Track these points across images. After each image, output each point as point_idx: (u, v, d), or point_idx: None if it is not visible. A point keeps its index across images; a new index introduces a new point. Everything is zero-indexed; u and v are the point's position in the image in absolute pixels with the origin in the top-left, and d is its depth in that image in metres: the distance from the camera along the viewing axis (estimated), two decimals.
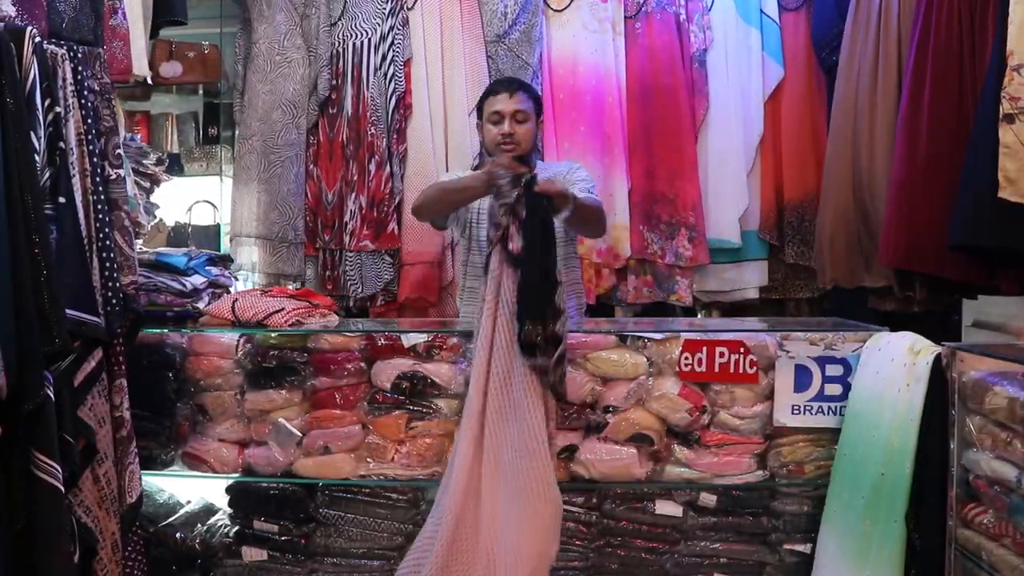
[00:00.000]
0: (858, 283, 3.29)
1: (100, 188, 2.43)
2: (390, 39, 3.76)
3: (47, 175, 2.20)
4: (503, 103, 2.91)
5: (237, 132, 4.05)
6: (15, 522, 2.10)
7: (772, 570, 2.72)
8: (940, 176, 2.78)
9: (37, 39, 2.20)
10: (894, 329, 2.61)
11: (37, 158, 2.16)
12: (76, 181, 2.32)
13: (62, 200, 2.23)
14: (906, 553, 2.26)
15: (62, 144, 2.25)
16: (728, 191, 3.72)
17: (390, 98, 3.77)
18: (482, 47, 3.78)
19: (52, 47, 2.30)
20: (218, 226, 4.31)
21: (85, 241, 2.34)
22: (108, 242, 2.44)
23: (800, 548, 2.67)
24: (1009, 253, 2.56)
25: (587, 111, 3.74)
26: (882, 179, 3.11)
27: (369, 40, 3.79)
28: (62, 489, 2.14)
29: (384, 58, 3.77)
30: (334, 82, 3.85)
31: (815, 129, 3.68)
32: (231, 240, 4.00)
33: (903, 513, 2.24)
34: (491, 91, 3.02)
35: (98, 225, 2.41)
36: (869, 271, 3.24)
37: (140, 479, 2.60)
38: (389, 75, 3.76)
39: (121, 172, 2.58)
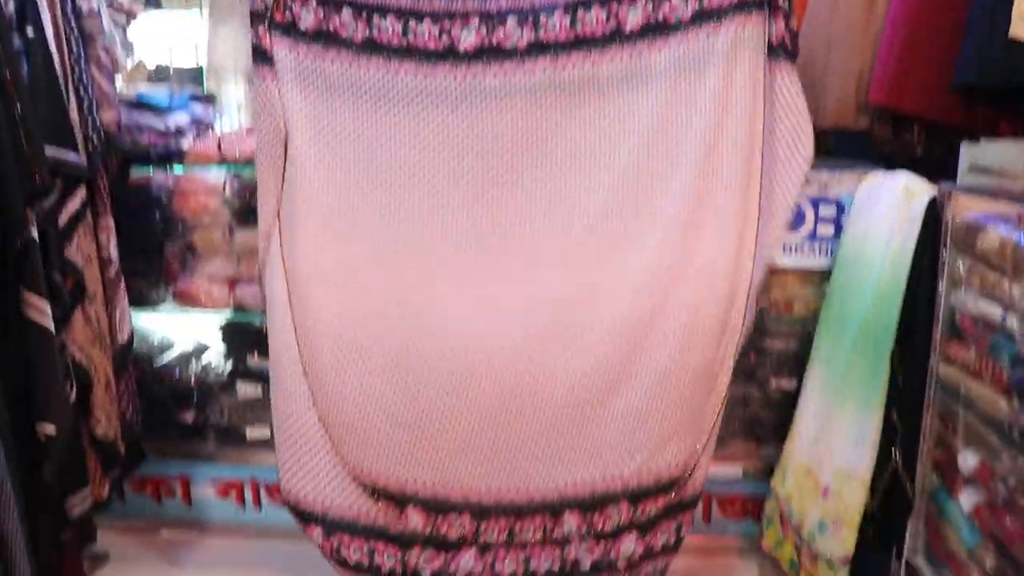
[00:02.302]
0: (844, 124, 3.21)
1: (72, 20, 2.33)
2: None
3: (11, 6, 2.10)
4: None
5: None
6: (12, 360, 2.12)
7: (757, 405, 2.79)
8: (942, 12, 2.66)
9: None
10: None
11: None
12: (45, 13, 2.21)
13: (31, 33, 2.14)
14: (888, 390, 2.31)
15: None
16: None
17: None
18: None
19: None
20: (200, 67, 4.17)
21: (60, 76, 2.26)
22: (84, 77, 2.37)
23: (785, 384, 2.73)
24: (1017, 94, 2.48)
25: None
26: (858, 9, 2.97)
27: None
28: (52, 328, 2.15)
29: None
30: None
31: None
32: (212, 77, 3.88)
33: (888, 351, 2.27)
34: None
35: (72, 60, 2.33)
36: (858, 111, 3.15)
37: (130, 319, 2.62)
38: None
39: (94, 3, 2.46)
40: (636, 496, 2.24)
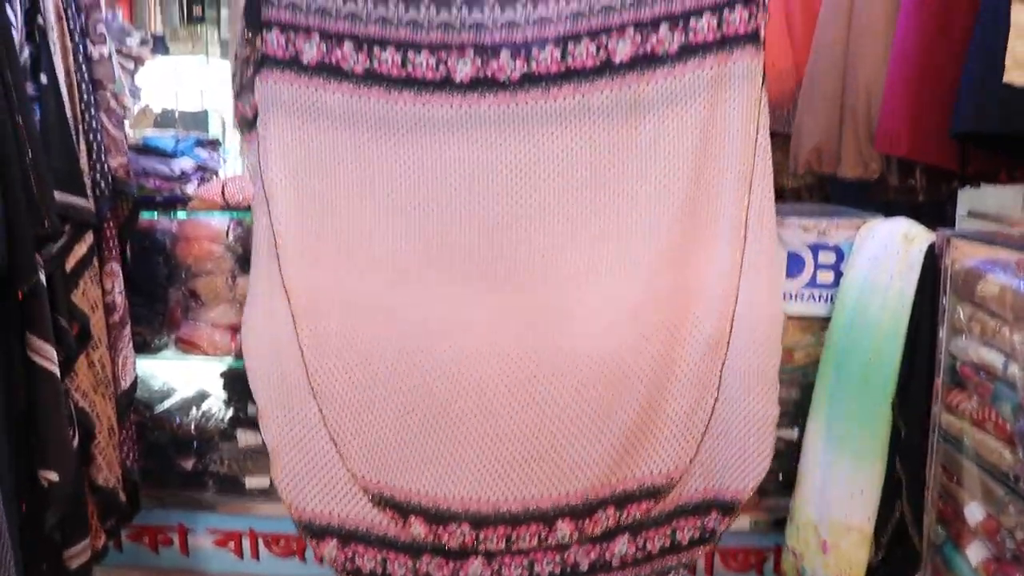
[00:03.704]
0: (831, 170, 3.21)
1: (83, 67, 2.36)
2: None
3: (26, 52, 2.13)
4: None
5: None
6: (15, 406, 2.11)
7: None
8: (948, 59, 2.67)
9: None
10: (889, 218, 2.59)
11: (15, 33, 2.08)
12: (58, 60, 2.24)
13: (44, 80, 2.17)
14: (891, 439, 2.30)
15: (40, 19, 2.16)
16: None
17: None
18: None
19: None
20: (206, 111, 4.22)
21: (70, 122, 2.28)
22: (94, 123, 2.39)
23: (787, 434, 2.71)
24: (1014, 140, 2.48)
25: None
26: (872, 60, 2.97)
27: None
28: (58, 373, 2.15)
29: None
30: None
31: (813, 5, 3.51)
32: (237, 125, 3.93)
33: (889, 400, 2.27)
34: None
35: (83, 106, 2.36)
36: (846, 158, 3.14)
37: (134, 364, 2.62)
38: None
39: (104, 51, 2.50)
40: (621, 501, 2.37)
